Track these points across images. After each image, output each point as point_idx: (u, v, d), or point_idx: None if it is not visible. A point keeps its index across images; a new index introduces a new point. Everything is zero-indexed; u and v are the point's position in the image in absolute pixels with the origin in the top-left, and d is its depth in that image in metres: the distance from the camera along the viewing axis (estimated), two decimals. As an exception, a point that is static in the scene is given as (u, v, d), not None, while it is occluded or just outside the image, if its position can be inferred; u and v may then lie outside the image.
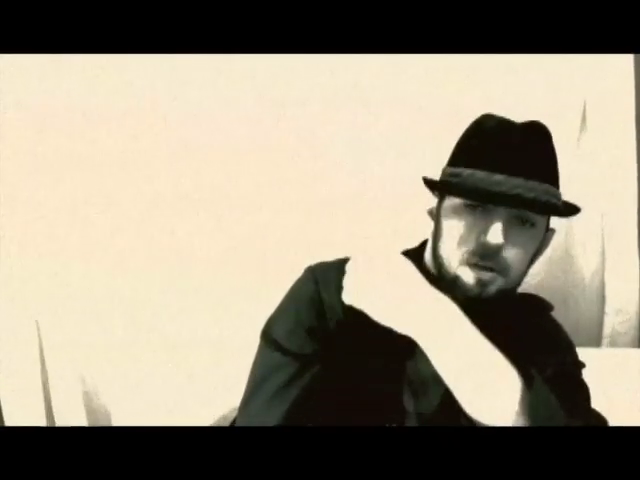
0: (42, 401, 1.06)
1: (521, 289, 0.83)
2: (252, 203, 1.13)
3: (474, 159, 0.69)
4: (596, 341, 1.26)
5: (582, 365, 0.73)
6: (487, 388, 0.61)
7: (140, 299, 1.11)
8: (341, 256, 0.81)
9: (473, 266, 0.67)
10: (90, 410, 1.10)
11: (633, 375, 1.08)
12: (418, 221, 0.82)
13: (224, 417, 1.04)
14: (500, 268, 0.67)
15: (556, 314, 0.80)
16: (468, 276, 0.67)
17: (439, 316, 0.63)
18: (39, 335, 1.07)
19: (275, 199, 1.13)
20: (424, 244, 0.80)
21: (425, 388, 0.70)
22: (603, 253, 1.22)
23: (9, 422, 1.04)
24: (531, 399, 0.60)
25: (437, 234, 0.72)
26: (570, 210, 0.72)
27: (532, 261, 0.73)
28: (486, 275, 0.67)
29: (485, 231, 0.66)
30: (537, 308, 0.78)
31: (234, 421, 0.78)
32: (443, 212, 0.71)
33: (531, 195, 0.65)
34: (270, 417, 0.69)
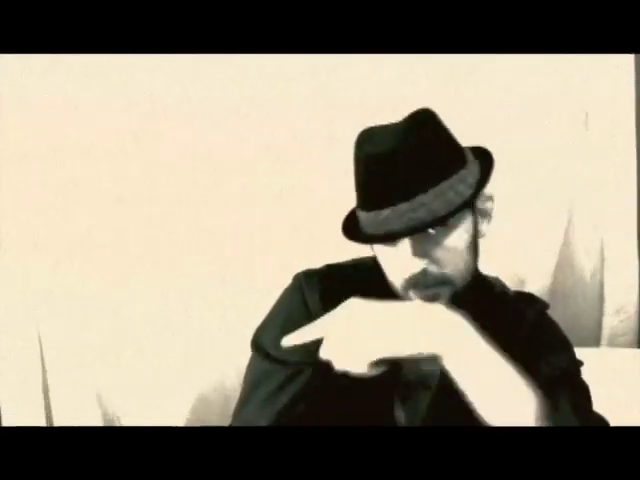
0: (41, 401, 1.06)
1: (521, 290, 0.83)
2: (251, 203, 1.13)
3: (360, 201, 0.67)
4: (595, 341, 1.26)
5: (580, 363, 0.73)
6: (507, 407, 0.59)
7: (140, 300, 1.11)
8: (340, 259, 0.81)
9: (414, 288, 0.66)
10: (90, 410, 1.10)
11: (632, 375, 1.08)
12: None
13: (223, 418, 1.04)
14: (437, 281, 0.65)
15: (555, 314, 0.80)
16: (415, 298, 0.67)
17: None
18: (39, 335, 1.07)
19: (274, 200, 1.13)
20: None
21: (414, 392, 0.70)
22: (602, 254, 1.22)
23: (7, 422, 1.04)
24: (555, 419, 0.59)
25: (384, 272, 0.71)
26: (484, 180, 0.67)
27: (476, 243, 0.70)
28: (429, 292, 0.66)
29: (405, 264, 0.65)
30: (533, 306, 0.78)
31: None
32: (378, 256, 0.70)
33: (421, 214, 0.62)
34: (260, 424, 0.70)
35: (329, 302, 0.72)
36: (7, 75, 1.01)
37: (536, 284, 1.17)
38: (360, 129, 0.69)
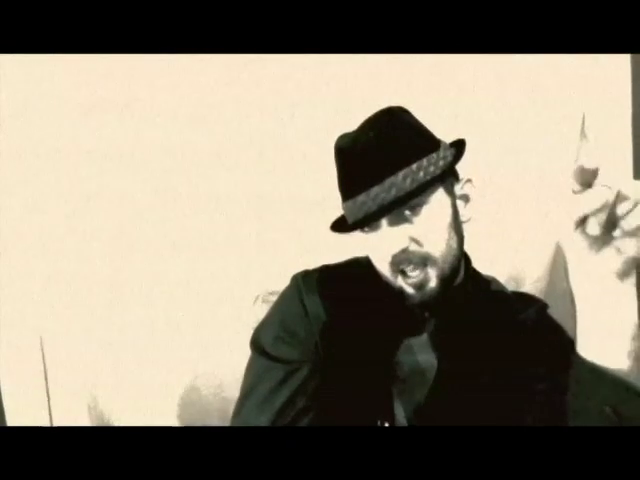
0: (44, 401, 1.06)
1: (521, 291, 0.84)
2: (250, 204, 1.13)
3: (342, 191, 0.71)
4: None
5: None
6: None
7: (140, 301, 1.11)
8: (340, 258, 0.82)
9: (403, 274, 0.69)
10: (90, 410, 1.10)
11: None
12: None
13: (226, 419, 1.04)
14: (421, 261, 0.68)
15: (558, 317, 0.80)
16: (404, 284, 0.69)
17: None
18: (41, 337, 1.07)
19: (273, 200, 1.13)
20: None
21: (411, 385, 0.71)
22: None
23: (11, 422, 1.04)
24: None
25: (373, 263, 0.74)
26: (451, 165, 0.70)
27: (459, 225, 0.72)
28: (415, 276, 0.68)
29: (386, 246, 0.68)
30: (532, 306, 0.78)
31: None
32: (365, 246, 0.73)
33: (392, 193, 0.65)
34: (261, 422, 0.71)
35: (326, 301, 0.76)
36: (7, 75, 1.01)
37: (535, 288, 1.17)
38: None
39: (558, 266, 1.19)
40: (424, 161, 0.67)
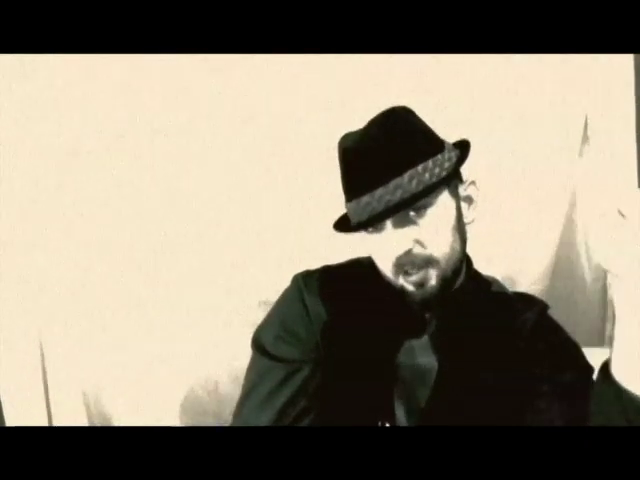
0: (43, 401, 1.06)
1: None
2: (250, 204, 1.13)
3: (346, 192, 0.70)
4: (599, 341, 1.25)
5: (591, 369, 0.71)
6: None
7: (140, 301, 1.11)
8: (342, 259, 0.82)
9: (405, 274, 0.69)
10: (90, 410, 1.10)
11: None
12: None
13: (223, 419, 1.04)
14: (424, 261, 0.68)
15: (557, 320, 0.79)
16: (405, 283, 0.69)
17: None
18: (40, 336, 1.07)
19: (274, 201, 1.13)
20: None
21: (412, 388, 0.71)
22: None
23: (10, 422, 1.04)
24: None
25: (375, 264, 0.74)
26: (456, 167, 0.70)
27: (462, 227, 0.72)
28: (417, 275, 0.68)
29: (390, 247, 0.68)
30: (533, 307, 0.77)
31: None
32: (367, 246, 0.73)
33: (398, 195, 0.65)
34: (261, 422, 0.71)
35: (327, 301, 0.76)
36: (7, 75, 1.01)
37: (538, 290, 1.16)
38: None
39: (559, 268, 1.19)
40: (429, 162, 0.67)
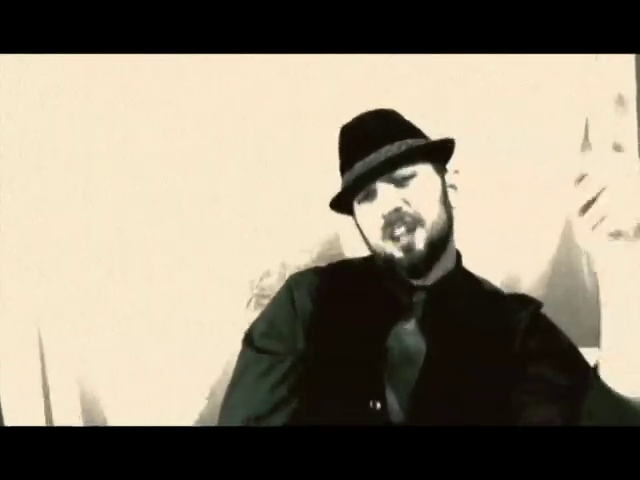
0: (42, 401, 1.06)
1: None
2: (252, 205, 1.13)
3: (342, 165, 0.79)
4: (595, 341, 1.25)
5: (588, 367, 0.70)
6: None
7: (140, 301, 1.11)
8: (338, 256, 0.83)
9: (392, 238, 0.73)
10: (89, 411, 1.10)
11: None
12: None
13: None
14: (411, 224, 0.73)
15: (556, 320, 0.79)
16: (394, 250, 0.74)
17: None
18: (39, 336, 1.07)
19: (276, 200, 1.13)
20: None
21: (402, 370, 0.73)
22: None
23: (9, 422, 1.04)
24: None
25: (364, 238, 0.80)
26: (441, 144, 0.78)
27: (448, 206, 0.78)
28: (404, 239, 0.73)
29: (380, 207, 0.73)
30: (526, 306, 0.78)
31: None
32: (358, 219, 0.80)
33: (389, 155, 0.72)
34: (247, 410, 0.75)
35: (316, 297, 0.81)
36: (7, 75, 1.01)
37: (536, 292, 1.16)
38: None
39: (558, 269, 1.19)
40: (418, 140, 0.76)
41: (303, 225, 1.11)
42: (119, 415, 1.11)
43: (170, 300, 1.11)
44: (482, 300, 0.79)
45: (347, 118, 0.80)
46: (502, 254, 1.14)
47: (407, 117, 0.81)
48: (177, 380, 1.10)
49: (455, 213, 0.80)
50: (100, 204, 1.08)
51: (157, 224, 1.10)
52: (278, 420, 0.74)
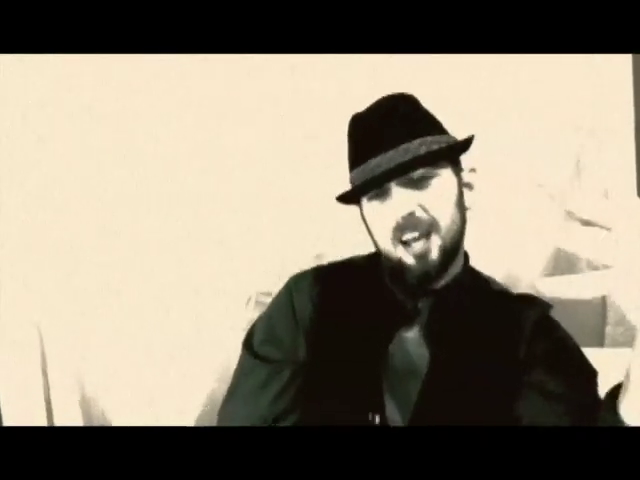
0: (42, 401, 1.06)
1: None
2: (251, 204, 1.13)
3: (354, 159, 0.72)
4: (598, 342, 1.25)
5: (594, 372, 0.69)
6: None
7: (140, 301, 1.11)
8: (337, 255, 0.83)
9: (404, 244, 0.69)
10: (90, 411, 1.10)
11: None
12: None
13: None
14: (425, 230, 0.68)
15: (556, 320, 0.79)
16: (406, 257, 0.69)
17: None
18: (40, 336, 1.07)
19: (274, 199, 1.13)
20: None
21: (403, 380, 0.71)
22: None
23: (8, 422, 1.04)
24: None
25: (372, 237, 0.75)
26: (463, 145, 0.73)
27: (463, 208, 0.74)
28: (417, 246, 0.68)
29: (394, 209, 0.68)
30: (534, 307, 0.76)
31: None
32: (366, 216, 0.74)
33: (408, 156, 0.67)
34: (244, 420, 0.73)
35: (317, 300, 0.78)
36: (7, 75, 1.01)
37: (530, 288, 1.16)
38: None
39: (558, 268, 1.19)
40: (438, 137, 0.70)
41: (303, 225, 1.11)
42: (119, 415, 1.11)
43: (170, 300, 1.11)
44: (489, 303, 0.75)
45: (347, 118, 0.77)
46: (502, 254, 1.14)
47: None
48: (177, 380, 1.10)
49: (468, 214, 0.77)
50: (100, 204, 1.08)
51: (157, 224, 1.10)
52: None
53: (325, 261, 0.94)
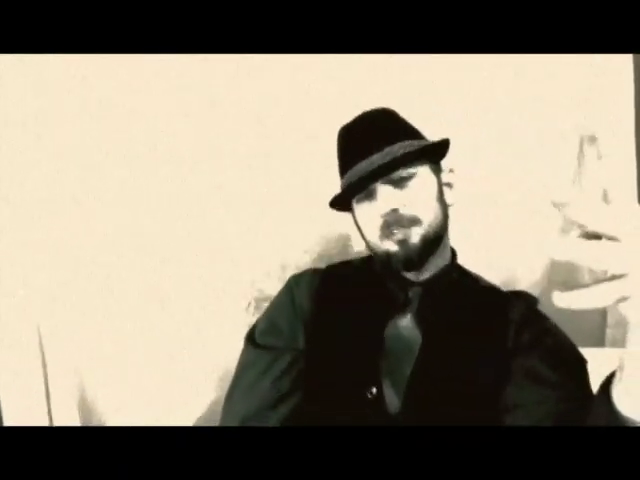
0: (43, 402, 1.06)
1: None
2: (251, 205, 1.13)
3: (342, 167, 0.80)
4: (599, 342, 1.25)
5: (584, 361, 0.73)
6: None
7: (140, 302, 1.11)
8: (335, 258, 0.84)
9: (390, 235, 0.75)
10: (90, 411, 1.10)
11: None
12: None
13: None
14: (408, 222, 0.75)
15: (555, 321, 0.79)
16: (391, 245, 0.76)
17: None
18: (40, 336, 1.07)
19: (274, 200, 1.13)
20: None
21: (399, 361, 0.75)
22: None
23: (8, 422, 1.04)
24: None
25: (362, 235, 0.81)
26: (436, 146, 0.79)
27: (444, 203, 0.80)
28: (400, 234, 0.75)
29: (379, 208, 0.75)
30: (521, 301, 0.80)
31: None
32: (358, 219, 0.81)
33: (388, 158, 0.73)
34: (249, 406, 0.77)
35: (316, 295, 0.84)
36: (7, 75, 1.01)
37: (536, 294, 1.16)
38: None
39: (557, 269, 1.19)
40: (416, 142, 0.77)
41: (303, 225, 1.11)
42: (119, 415, 1.11)
43: (170, 302, 1.11)
44: (477, 295, 0.81)
45: (347, 118, 0.80)
46: (501, 254, 1.14)
47: (406, 117, 0.83)
48: (177, 380, 1.11)
49: (453, 212, 0.82)
50: (101, 204, 1.08)
51: (157, 224, 1.10)
52: (280, 413, 0.76)
53: (324, 263, 0.95)
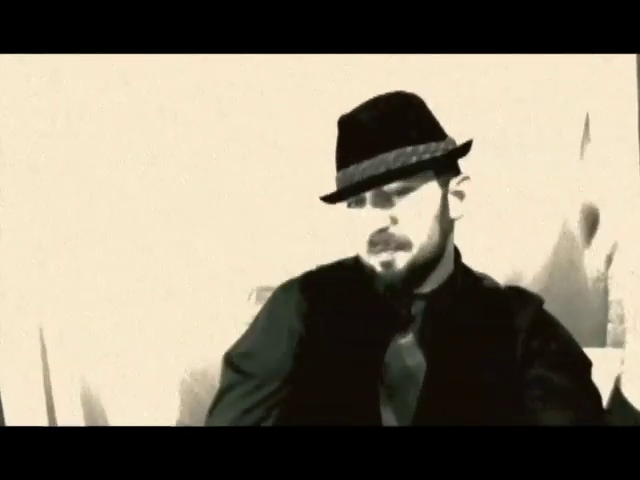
0: (44, 402, 1.07)
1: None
2: (253, 200, 1.13)
3: (337, 160, 0.70)
4: (600, 342, 1.25)
5: (589, 364, 0.70)
6: None
7: (140, 301, 1.11)
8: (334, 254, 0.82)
9: (376, 252, 0.67)
10: (91, 411, 1.10)
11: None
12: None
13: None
14: (396, 245, 0.66)
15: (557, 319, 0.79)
16: (375, 262, 0.67)
17: None
18: (41, 337, 1.07)
19: (277, 195, 1.13)
20: None
21: (401, 388, 0.69)
22: (607, 260, 1.20)
23: (10, 422, 1.04)
24: None
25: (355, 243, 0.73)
26: (453, 154, 0.69)
27: (446, 220, 0.70)
28: (383, 256, 0.66)
29: (366, 225, 0.67)
30: (527, 302, 0.75)
31: None
32: (349, 223, 0.72)
33: (382, 169, 0.64)
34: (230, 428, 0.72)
35: (306, 312, 0.75)
36: (7, 75, 1.01)
37: (539, 291, 1.15)
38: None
39: (559, 268, 1.19)
40: (420, 147, 0.66)
41: (306, 221, 1.11)
42: (120, 415, 1.11)
43: (172, 299, 1.11)
44: (481, 304, 0.74)
45: None
46: (503, 254, 1.14)
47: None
48: (177, 381, 1.11)
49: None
50: (101, 203, 1.08)
51: (159, 222, 1.10)
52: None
53: (327, 258, 0.93)
